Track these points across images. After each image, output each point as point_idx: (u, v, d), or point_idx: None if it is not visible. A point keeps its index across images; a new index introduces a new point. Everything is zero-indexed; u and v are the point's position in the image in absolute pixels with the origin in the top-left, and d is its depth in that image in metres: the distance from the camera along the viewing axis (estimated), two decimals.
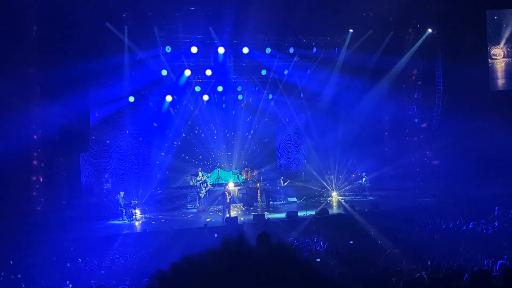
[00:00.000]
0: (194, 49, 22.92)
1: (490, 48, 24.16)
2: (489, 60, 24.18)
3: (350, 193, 25.88)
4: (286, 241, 14.79)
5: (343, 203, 22.71)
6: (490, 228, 15.25)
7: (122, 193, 21.84)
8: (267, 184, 24.48)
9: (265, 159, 27.68)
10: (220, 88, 26.07)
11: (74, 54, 19.96)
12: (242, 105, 27.41)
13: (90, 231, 19.08)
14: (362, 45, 24.57)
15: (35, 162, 19.28)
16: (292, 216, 19.83)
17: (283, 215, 20.45)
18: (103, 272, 12.59)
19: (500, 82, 24.37)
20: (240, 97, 27.08)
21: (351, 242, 14.58)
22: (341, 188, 25.97)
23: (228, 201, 21.08)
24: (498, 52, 24.29)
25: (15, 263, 13.16)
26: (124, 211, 21.23)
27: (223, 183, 24.80)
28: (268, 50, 24.27)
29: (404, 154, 26.22)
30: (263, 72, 25.79)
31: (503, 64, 24.30)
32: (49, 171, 20.31)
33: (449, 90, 23.76)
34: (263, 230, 6.06)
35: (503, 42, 24.19)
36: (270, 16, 21.44)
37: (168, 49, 22.57)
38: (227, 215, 20.41)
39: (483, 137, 22.09)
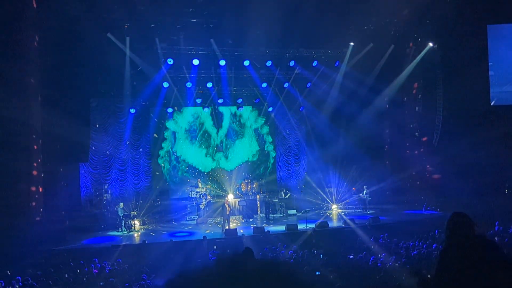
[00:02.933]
0: (195, 62, 22.97)
1: None
2: None
3: (350, 206, 25.77)
4: (275, 257, 14.81)
5: (343, 216, 22.62)
6: None
7: (121, 204, 21.79)
8: (267, 196, 24.43)
9: (265, 171, 27.70)
10: (220, 100, 26.11)
11: (76, 65, 20.08)
12: (242, 117, 27.43)
13: (89, 241, 19.03)
14: (363, 59, 24.61)
15: (35, 172, 19.24)
16: (291, 228, 19.75)
17: (282, 227, 20.37)
18: (101, 283, 12.53)
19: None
20: (240, 109, 27.10)
21: (351, 256, 14.51)
22: (341, 201, 25.89)
23: (227, 213, 21.06)
24: None
25: (13, 273, 13.09)
26: (123, 222, 21.17)
27: (222, 194, 24.83)
28: (269, 63, 24.33)
29: (404, 168, 26.20)
30: (264, 85, 25.81)
31: None
32: (49, 182, 20.27)
33: (450, 104, 23.78)
34: (246, 247, 6.24)
35: None
36: (271, 29, 21.52)
37: (170, 61, 22.59)
38: (227, 227, 20.37)
39: (483, 151, 22.05)
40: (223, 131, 27.18)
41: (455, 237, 4.55)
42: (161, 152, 26.01)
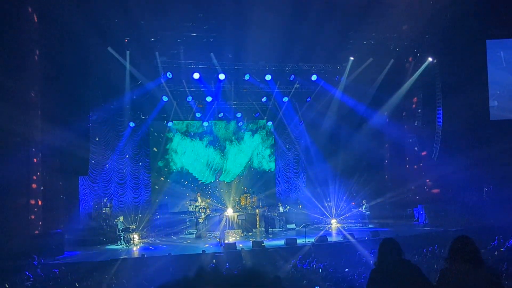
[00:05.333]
0: (196, 75, 23.02)
1: None
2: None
3: (349, 220, 25.64)
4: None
5: (343, 230, 22.53)
6: (489, 258, 15.11)
7: (121, 218, 21.72)
8: (266, 211, 24.36)
9: (265, 185, 27.64)
10: (220, 114, 26.17)
11: (76, 78, 20.15)
12: (241, 131, 27.48)
13: (88, 255, 18.96)
14: (362, 73, 24.67)
15: (34, 186, 19.24)
16: (291, 243, 19.65)
17: (282, 242, 20.28)
18: None
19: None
20: (240, 123, 27.17)
21: (346, 270, 14.46)
22: (341, 216, 25.79)
23: (228, 227, 21.00)
24: None
25: (11, 286, 13.04)
26: (123, 235, 21.10)
27: (222, 208, 24.78)
28: (268, 77, 24.37)
29: (404, 182, 26.17)
30: (263, 99, 25.89)
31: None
32: (48, 195, 20.26)
33: (449, 119, 23.80)
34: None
35: None
36: (271, 43, 21.62)
37: (169, 75, 22.65)
38: (226, 241, 20.29)
39: (483, 166, 22.06)
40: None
41: (384, 260, 5.19)
42: (161, 164, 26.06)
